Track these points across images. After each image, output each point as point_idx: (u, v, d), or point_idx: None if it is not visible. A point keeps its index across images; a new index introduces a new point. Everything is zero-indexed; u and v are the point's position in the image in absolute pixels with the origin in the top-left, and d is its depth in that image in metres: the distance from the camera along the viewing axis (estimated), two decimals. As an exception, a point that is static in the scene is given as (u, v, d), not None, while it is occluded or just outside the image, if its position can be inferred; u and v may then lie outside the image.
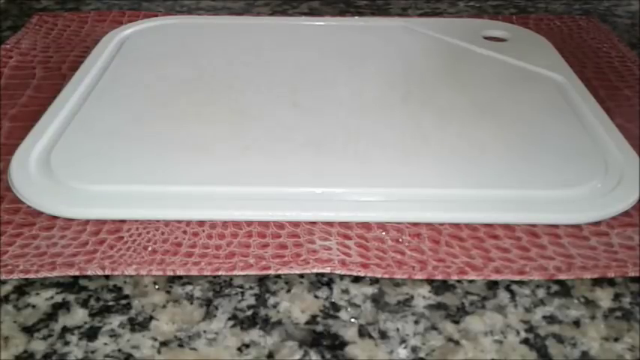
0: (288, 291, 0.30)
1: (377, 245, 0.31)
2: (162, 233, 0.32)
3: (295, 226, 0.32)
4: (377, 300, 0.29)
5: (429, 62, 0.47)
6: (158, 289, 0.30)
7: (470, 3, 0.61)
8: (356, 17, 0.56)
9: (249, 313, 0.28)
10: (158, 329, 0.28)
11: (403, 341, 0.27)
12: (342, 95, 0.43)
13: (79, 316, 0.28)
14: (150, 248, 0.31)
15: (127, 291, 0.30)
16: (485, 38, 0.51)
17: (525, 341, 0.27)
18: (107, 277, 0.30)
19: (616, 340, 0.27)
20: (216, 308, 0.29)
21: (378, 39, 0.51)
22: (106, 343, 0.27)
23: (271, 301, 0.29)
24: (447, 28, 0.52)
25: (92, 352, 0.27)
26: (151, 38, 0.51)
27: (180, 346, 0.27)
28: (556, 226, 0.32)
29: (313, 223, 0.33)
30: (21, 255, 0.30)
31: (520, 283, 0.30)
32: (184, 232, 0.32)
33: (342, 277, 0.30)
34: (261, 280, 0.30)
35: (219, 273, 0.30)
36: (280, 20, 0.55)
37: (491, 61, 0.48)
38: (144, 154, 0.36)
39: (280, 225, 0.32)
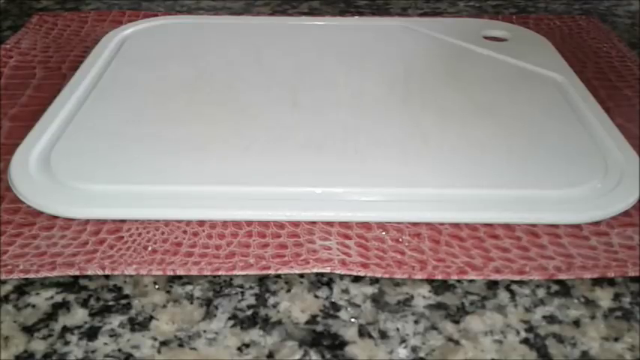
0: (288, 291, 0.30)
1: (377, 245, 0.31)
2: (163, 233, 0.32)
3: (295, 225, 0.32)
4: (377, 300, 0.29)
5: (429, 62, 0.47)
6: (158, 288, 0.30)
7: (470, 3, 0.61)
8: (356, 17, 0.56)
9: (249, 312, 0.28)
10: (158, 329, 0.28)
11: (403, 341, 0.27)
12: (342, 95, 0.43)
13: (79, 315, 0.28)
14: (150, 248, 0.31)
15: (127, 291, 0.30)
16: (486, 38, 0.51)
17: (525, 341, 0.27)
18: (107, 276, 0.30)
19: (616, 340, 0.27)
20: (216, 308, 0.29)
21: (378, 39, 0.51)
22: (106, 343, 0.27)
23: (271, 300, 0.29)
24: (447, 28, 0.52)
25: (92, 351, 0.27)
26: (151, 38, 0.51)
27: (181, 345, 0.27)
28: (556, 226, 0.32)
29: (313, 223, 0.33)
30: (21, 255, 0.30)
31: (520, 282, 0.30)
32: (184, 232, 0.32)
33: (342, 276, 0.30)
34: (261, 280, 0.30)
35: (219, 273, 0.30)
36: (280, 20, 0.55)
37: (492, 61, 0.48)
38: (144, 154, 0.36)
39: (280, 225, 0.32)
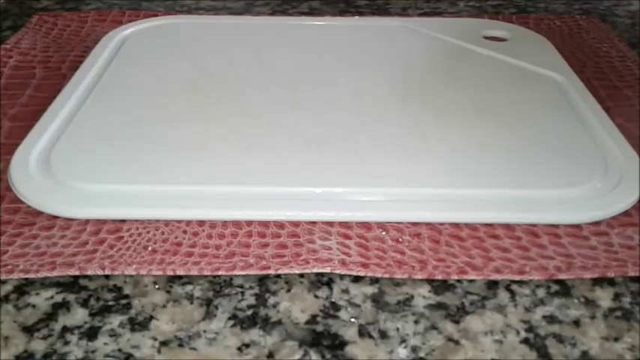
0: (288, 291, 0.30)
1: (377, 245, 0.31)
2: (163, 233, 0.32)
3: (295, 225, 0.32)
4: (377, 300, 0.29)
5: (429, 62, 0.47)
6: (158, 288, 0.30)
7: (470, 3, 0.61)
8: (356, 17, 0.56)
9: (249, 312, 0.28)
10: (158, 329, 0.28)
11: (403, 341, 0.27)
12: (342, 95, 0.43)
13: (79, 315, 0.28)
14: (150, 248, 0.31)
15: (127, 291, 0.30)
16: (486, 38, 0.51)
17: (525, 341, 0.27)
18: (107, 276, 0.30)
19: (616, 339, 0.27)
20: (216, 308, 0.29)
21: (378, 39, 0.51)
22: (106, 343, 0.27)
23: (271, 300, 0.29)
24: (447, 28, 0.52)
25: (92, 351, 0.27)
26: (151, 38, 0.51)
27: (180, 345, 0.27)
28: (556, 226, 0.32)
29: (313, 222, 0.33)
30: (21, 255, 0.30)
31: (520, 282, 0.30)
32: (184, 231, 0.32)
33: (342, 276, 0.30)
34: (261, 280, 0.30)
35: (219, 273, 0.30)
36: (280, 20, 0.55)
37: (492, 61, 0.48)
38: (144, 154, 0.36)
39: (280, 225, 0.32)
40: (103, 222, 0.32)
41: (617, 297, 0.29)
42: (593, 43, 0.52)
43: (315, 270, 0.30)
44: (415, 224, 0.33)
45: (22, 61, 0.48)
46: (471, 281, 0.30)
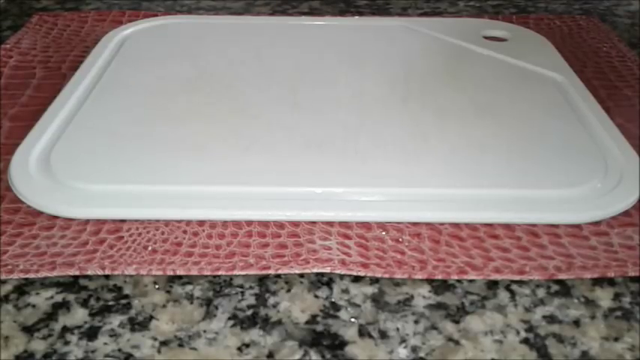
0: (288, 291, 0.30)
1: (377, 245, 0.31)
2: (163, 233, 0.32)
3: (295, 225, 0.32)
4: (377, 300, 0.29)
5: (429, 62, 0.47)
6: (158, 288, 0.30)
7: (470, 3, 0.61)
8: (356, 17, 0.56)
9: (249, 312, 0.28)
10: (158, 329, 0.28)
11: (403, 341, 0.27)
12: (342, 95, 0.43)
13: (79, 315, 0.28)
14: (150, 248, 0.31)
15: (127, 291, 0.30)
16: (486, 38, 0.51)
17: (525, 341, 0.27)
18: (107, 276, 0.30)
19: (616, 339, 0.27)
20: (216, 308, 0.29)
21: (378, 39, 0.51)
22: (106, 343, 0.27)
23: (271, 300, 0.29)
24: (447, 28, 0.52)
25: (92, 351, 0.27)
26: (151, 38, 0.51)
27: (181, 345, 0.27)
28: (556, 226, 0.32)
29: (313, 222, 0.33)
30: (21, 255, 0.30)
31: (520, 282, 0.30)
32: (184, 231, 0.32)
33: (342, 276, 0.30)
34: (261, 280, 0.30)
35: (219, 273, 0.30)
36: (280, 20, 0.55)
37: (492, 61, 0.48)
38: (144, 154, 0.36)
39: (280, 225, 0.32)
40: (103, 222, 0.32)
41: (617, 297, 0.29)
42: (593, 43, 0.52)
43: (315, 270, 0.30)
44: (415, 224, 0.33)
45: (22, 61, 0.48)
46: (471, 281, 0.30)
